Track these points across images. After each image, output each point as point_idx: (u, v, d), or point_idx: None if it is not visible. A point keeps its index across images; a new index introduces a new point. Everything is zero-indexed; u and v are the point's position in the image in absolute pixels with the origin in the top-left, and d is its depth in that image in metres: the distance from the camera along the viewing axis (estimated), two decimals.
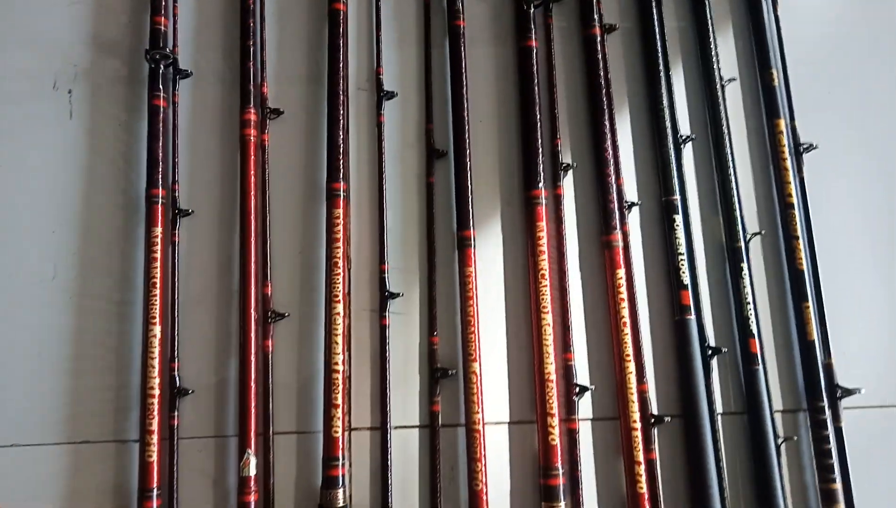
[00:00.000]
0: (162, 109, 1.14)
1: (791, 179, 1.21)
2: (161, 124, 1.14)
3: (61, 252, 1.13)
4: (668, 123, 1.22)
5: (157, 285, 1.08)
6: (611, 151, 1.19)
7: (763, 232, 1.21)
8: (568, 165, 1.20)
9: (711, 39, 1.26)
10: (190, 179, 1.16)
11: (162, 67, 1.15)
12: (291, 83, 1.21)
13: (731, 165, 1.21)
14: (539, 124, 1.18)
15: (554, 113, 1.21)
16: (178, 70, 1.17)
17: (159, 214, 1.11)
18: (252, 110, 1.15)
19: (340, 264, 1.10)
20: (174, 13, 1.19)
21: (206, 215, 1.15)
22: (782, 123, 1.23)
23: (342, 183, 1.13)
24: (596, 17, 1.24)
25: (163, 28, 1.17)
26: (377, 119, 1.19)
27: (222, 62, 1.21)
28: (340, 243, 1.11)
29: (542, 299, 1.11)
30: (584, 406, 1.13)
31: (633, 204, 1.20)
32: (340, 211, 1.12)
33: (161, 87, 1.15)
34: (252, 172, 1.14)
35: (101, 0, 1.22)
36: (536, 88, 1.20)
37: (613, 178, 1.18)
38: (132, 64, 1.20)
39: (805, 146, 1.23)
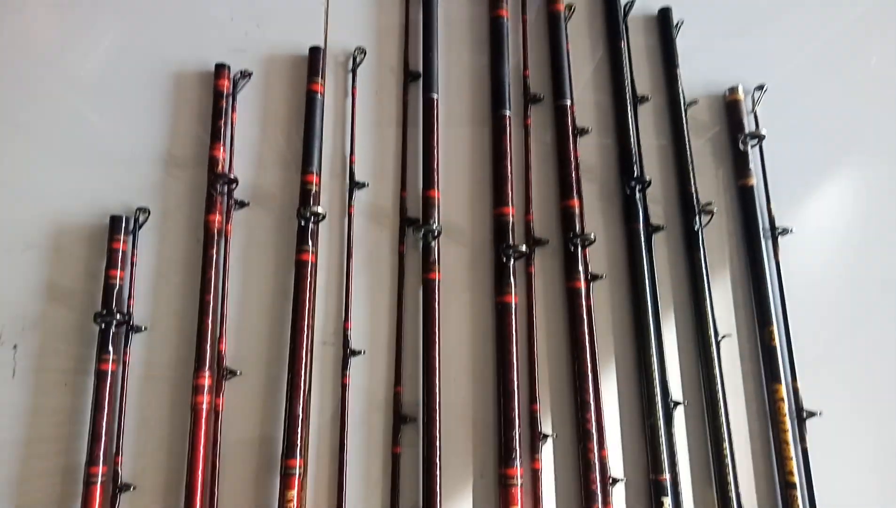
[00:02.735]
0: (110, 374, 1.07)
1: (792, 453, 1.11)
2: (108, 391, 1.06)
3: None
4: (657, 388, 1.12)
5: None
6: (594, 421, 1.09)
7: None
8: (546, 435, 1.10)
9: (706, 290, 1.17)
10: (135, 448, 1.07)
11: (114, 327, 1.08)
12: (252, 339, 1.13)
13: (725, 435, 1.10)
14: (516, 392, 1.09)
15: (533, 375, 1.12)
16: (130, 327, 1.10)
17: (97, 495, 1.02)
18: (207, 374, 1.08)
19: None
20: (132, 262, 1.13)
21: (149, 490, 1.06)
22: (783, 389, 1.13)
23: (298, 459, 1.04)
24: (581, 268, 1.16)
25: (117, 282, 1.10)
26: (342, 380, 1.10)
27: (179, 316, 1.13)
28: None
29: None
30: None
31: (616, 480, 1.10)
32: (294, 493, 1.03)
33: (111, 348, 1.08)
34: (201, 443, 1.05)
35: (58, 246, 1.16)
36: (515, 349, 1.11)
37: (596, 451, 1.08)
38: (84, 317, 1.12)
39: (807, 414, 1.13)
